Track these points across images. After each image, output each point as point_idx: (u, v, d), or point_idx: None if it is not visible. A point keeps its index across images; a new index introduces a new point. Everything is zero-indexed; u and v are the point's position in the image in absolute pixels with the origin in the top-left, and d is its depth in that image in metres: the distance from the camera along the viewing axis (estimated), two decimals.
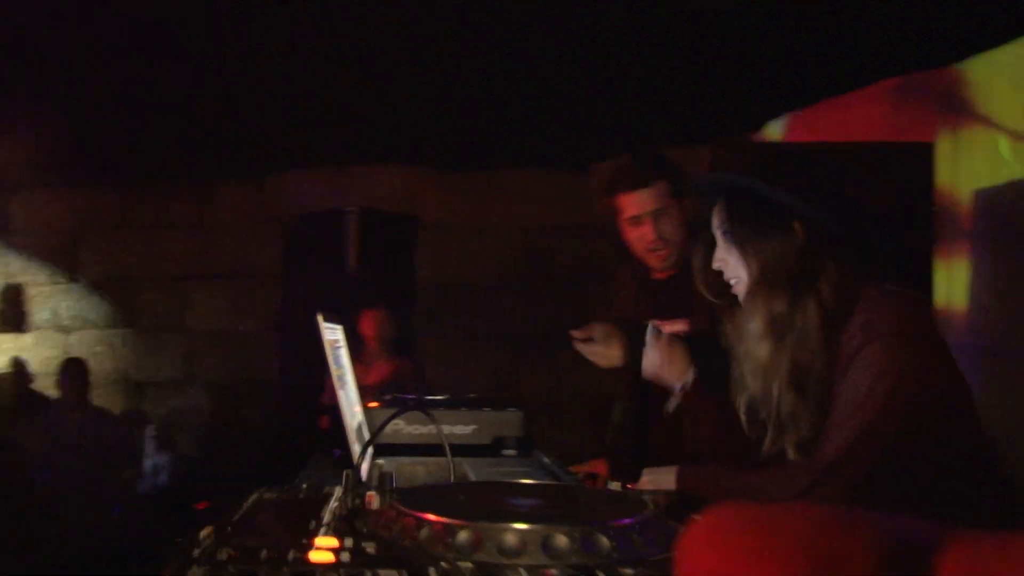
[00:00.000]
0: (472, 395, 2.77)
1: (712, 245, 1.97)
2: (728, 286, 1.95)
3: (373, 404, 2.61)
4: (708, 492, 1.89)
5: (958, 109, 3.72)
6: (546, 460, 2.23)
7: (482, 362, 6.50)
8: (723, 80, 5.26)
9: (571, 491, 1.08)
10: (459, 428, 2.52)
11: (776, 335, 1.80)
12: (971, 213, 3.61)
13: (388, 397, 2.83)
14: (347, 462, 2.36)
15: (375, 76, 5.95)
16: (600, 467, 2.47)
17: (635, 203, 2.75)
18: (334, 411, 4.71)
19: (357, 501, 1.25)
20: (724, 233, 1.90)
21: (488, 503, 1.02)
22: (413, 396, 2.77)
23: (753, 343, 1.83)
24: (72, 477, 5.38)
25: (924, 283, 3.20)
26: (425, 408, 1.63)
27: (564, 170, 6.49)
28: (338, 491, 1.39)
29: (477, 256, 6.57)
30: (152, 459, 5.92)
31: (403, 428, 2.52)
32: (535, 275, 6.53)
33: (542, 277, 6.53)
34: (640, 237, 2.76)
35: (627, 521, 0.94)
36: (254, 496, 1.31)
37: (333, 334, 2.05)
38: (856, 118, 4.26)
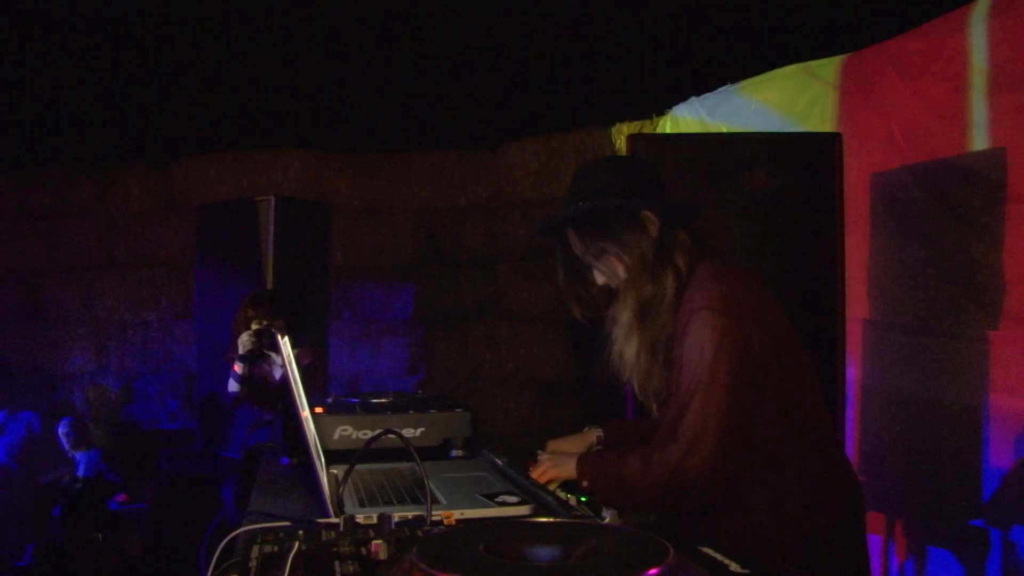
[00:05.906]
0: (418, 394, 2.83)
1: (570, 268, 2.18)
2: (593, 298, 2.19)
3: (319, 409, 2.66)
4: (602, 482, 1.97)
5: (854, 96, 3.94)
6: (498, 461, 2.29)
7: (396, 345, 6.54)
8: (627, 63, 5.38)
9: (580, 532, 1.15)
10: (407, 431, 2.58)
11: (643, 318, 2.00)
12: (869, 197, 3.84)
13: (330, 400, 2.87)
14: (299, 472, 2.42)
15: (280, 60, 5.90)
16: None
17: None
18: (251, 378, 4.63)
19: (362, 550, 1.27)
20: (587, 256, 2.09)
21: (512, 555, 1.03)
22: (356, 399, 2.81)
23: (625, 329, 2.03)
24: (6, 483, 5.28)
25: (834, 266, 3.40)
26: (399, 432, 1.70)
27: (471, 150, 6.53)
28: (326, 534, 1.40)
29: (387, 239, 6.58)
30: (73, 454, 5.81)
31: (352, 434, 2.58)
32: (445, 256, 6.58)
33: (451, 258, 6.58)
34: None
35: (656, 571, 0.96)
36: (254, 550, 1.31)
37: (288, 350, 2.07)
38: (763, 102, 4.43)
